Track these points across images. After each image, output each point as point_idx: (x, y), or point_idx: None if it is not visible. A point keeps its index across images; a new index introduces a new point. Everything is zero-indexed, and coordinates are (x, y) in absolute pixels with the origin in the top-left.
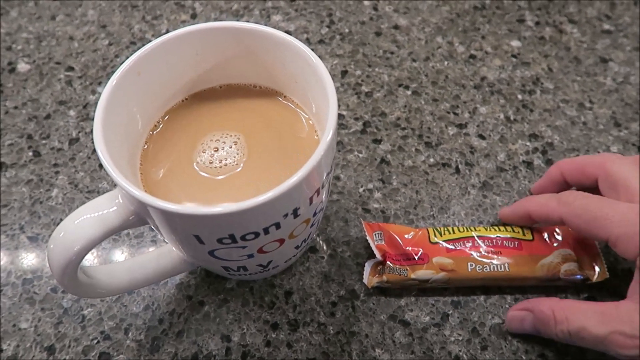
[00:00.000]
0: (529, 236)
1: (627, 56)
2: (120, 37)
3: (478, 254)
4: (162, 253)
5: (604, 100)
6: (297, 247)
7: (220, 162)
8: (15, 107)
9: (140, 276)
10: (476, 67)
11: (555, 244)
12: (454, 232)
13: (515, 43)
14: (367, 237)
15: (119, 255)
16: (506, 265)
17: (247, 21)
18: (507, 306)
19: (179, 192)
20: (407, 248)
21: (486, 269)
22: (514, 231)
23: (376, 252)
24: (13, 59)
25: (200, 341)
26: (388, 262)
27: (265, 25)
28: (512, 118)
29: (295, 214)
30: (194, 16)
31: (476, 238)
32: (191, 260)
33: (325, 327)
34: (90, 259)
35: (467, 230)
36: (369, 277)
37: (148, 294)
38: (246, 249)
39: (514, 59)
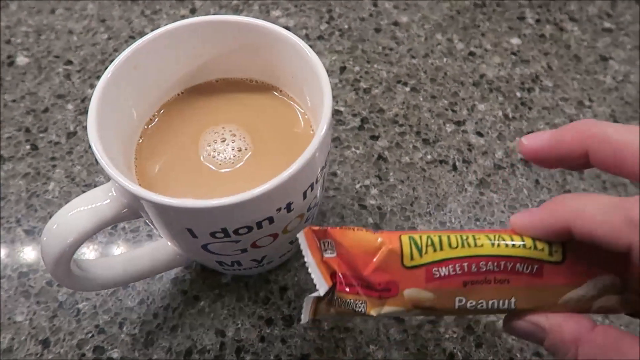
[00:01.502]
0: (557, 256)
1: (628, 55)
2: (119, 31)
3: (472, 284)
4: (157, 247)
5: (603, 98)
6: (291, 243)
7: (216, 157)
8: (14, 101)
9: (134, 270)
10: (475, 64)
11: (593, 270)
12: (441, 249)
13: (515, 40)
14: (306, 252)
15: (115, 249)
16: (512, 302)
17: (246, 16)
18: None
19: (175, 187)
20: (366, 271)
21: (481, 306)
22: (536, 248)
23: (320, 276)
24: (12, 52)
25: (195, 336)
26: (339, 292)
27: (264, 20)
28: (510, 116)
29: (288, 208)
30: (193, 11)
31: (475, 259)
32: (186, 254)
33: (319, 323)
34: (86, 253)
35: (463, 246)
36: (310, 309)
37: (143, 288)
38: (239, 243)
39: (513, 57)
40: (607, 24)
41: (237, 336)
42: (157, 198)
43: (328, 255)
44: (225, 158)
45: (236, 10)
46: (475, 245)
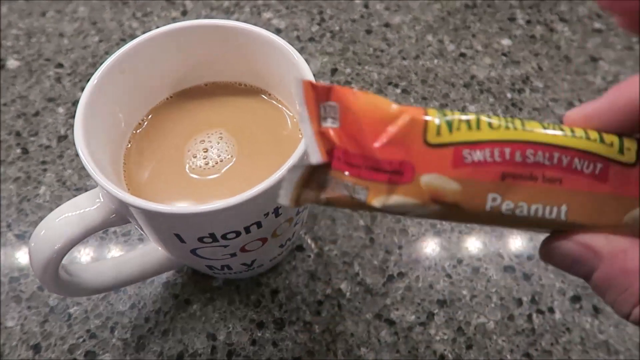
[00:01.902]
0: (629, 155)
1: (618, 55)
2: (110, 33)
3: (514, 179)
4: (148, 251)
5: (593, 99)
6: (281, 246)
7: (205, 161)
8: (4, 104)
9: (125, 274)
10: (466, 65)
11: None
12: (478, 128)
13: (506, 41)
14: (302, 108)
15: (106, 253)
16: (562, 211)
17: (238, 18)
18: (492, 305)
19: (163, 192)
20: (376, 144)
21: (520, 211)
22: (602, 141)
23: (315, 145)
24: (3, 56)
25: (186, 340)
26: (335, 170)
27: (256, 22)
28: (501, 116)
29: (276, 213)
30: (184, 13)
31: (520, 145)
32: (176, 259)
33: (311, 326)
34: (77, 257)
35: (507, 128)
36: (294, 190)
37: (134, 292)
38: (228, 247)
39: (504, 58)
40: (597, 25)
41: (229, 340)
42: (143, 204)
43: (329, 124)
44: (214, 162)
45: (227, 12)
46: (524, 128)
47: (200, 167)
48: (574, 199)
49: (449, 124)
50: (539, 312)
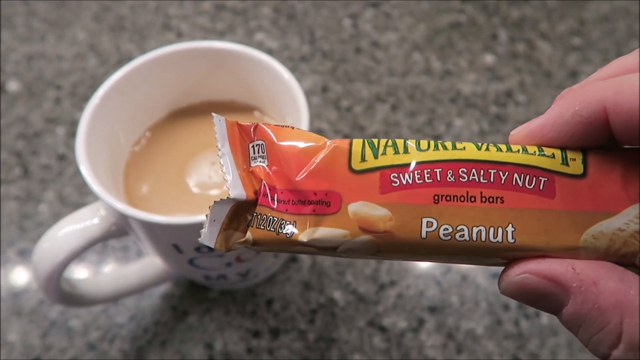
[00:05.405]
0: (575, 167)
1: (596, 70)
2: (108, 56)
3: (448, 200)
4: (146, 264)
5: None
6: (275, 256)
7: (201, 175)
8: (5, 126)
9: (124, 286)
10: (452, 81)
11: (634, 189)
12: (406, 152)
13: (490, 58)
14: (224, 148)
15: (105, 267)
16: (508, 231)
17: (231, 40)
18: (481, 311)
19: (160, 205)
20: (301, 175)
21: (461, 235)
22: (542, 153)
23: (239, 182)
24: (4, 79)
25: (184, 350)
26: (260, 205)
27: (249, 44)
28: (486, 130)
29: None
30: (179, 35)
31: (452, 164)
32: (173, 270)
33: (305, 334)
34: (76, 271)
35: (437, 148)
36: (219, 235)
37: (133, 305)
38: (224, 257)
39: (488, 74)
40: (576, 42)
41: (225, 349)
42: (143, 215)
43: (258, 162)
44: (210, 177)
45: (221, 35)
46: (455, 148)
47: (197, 181)
48: (520, 219)
49: (375, 150)
50: (526, 316)
